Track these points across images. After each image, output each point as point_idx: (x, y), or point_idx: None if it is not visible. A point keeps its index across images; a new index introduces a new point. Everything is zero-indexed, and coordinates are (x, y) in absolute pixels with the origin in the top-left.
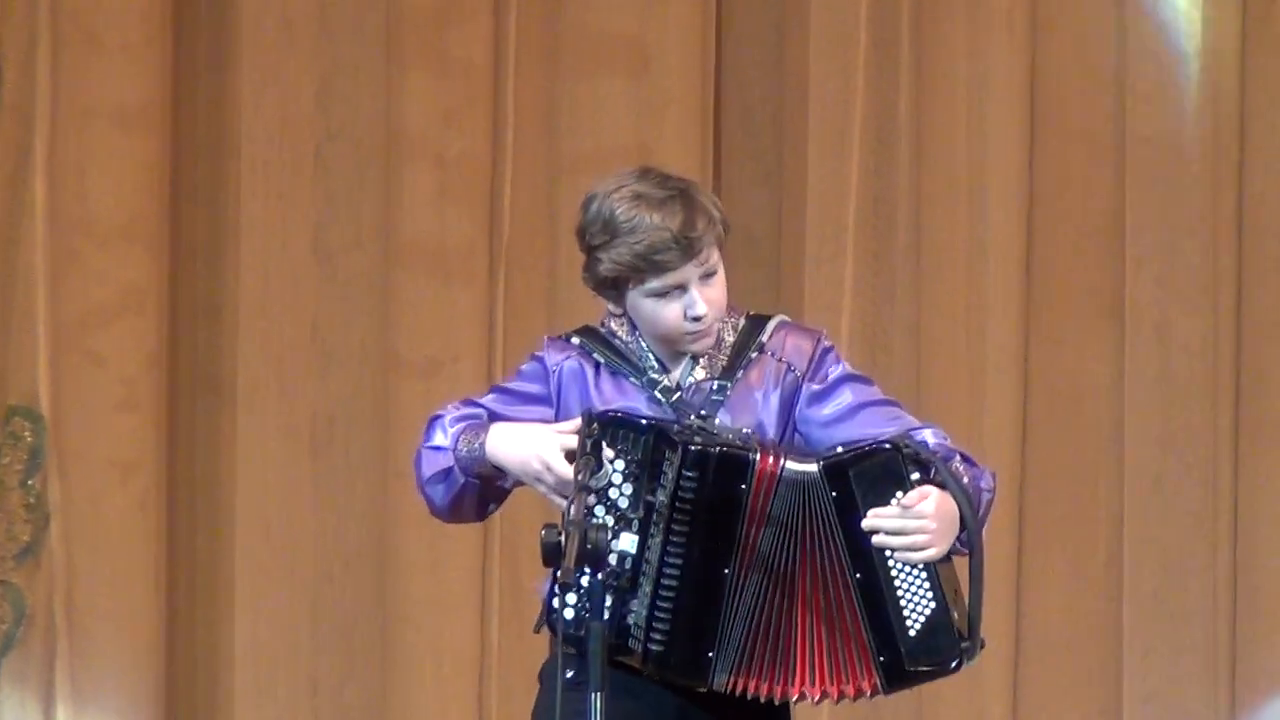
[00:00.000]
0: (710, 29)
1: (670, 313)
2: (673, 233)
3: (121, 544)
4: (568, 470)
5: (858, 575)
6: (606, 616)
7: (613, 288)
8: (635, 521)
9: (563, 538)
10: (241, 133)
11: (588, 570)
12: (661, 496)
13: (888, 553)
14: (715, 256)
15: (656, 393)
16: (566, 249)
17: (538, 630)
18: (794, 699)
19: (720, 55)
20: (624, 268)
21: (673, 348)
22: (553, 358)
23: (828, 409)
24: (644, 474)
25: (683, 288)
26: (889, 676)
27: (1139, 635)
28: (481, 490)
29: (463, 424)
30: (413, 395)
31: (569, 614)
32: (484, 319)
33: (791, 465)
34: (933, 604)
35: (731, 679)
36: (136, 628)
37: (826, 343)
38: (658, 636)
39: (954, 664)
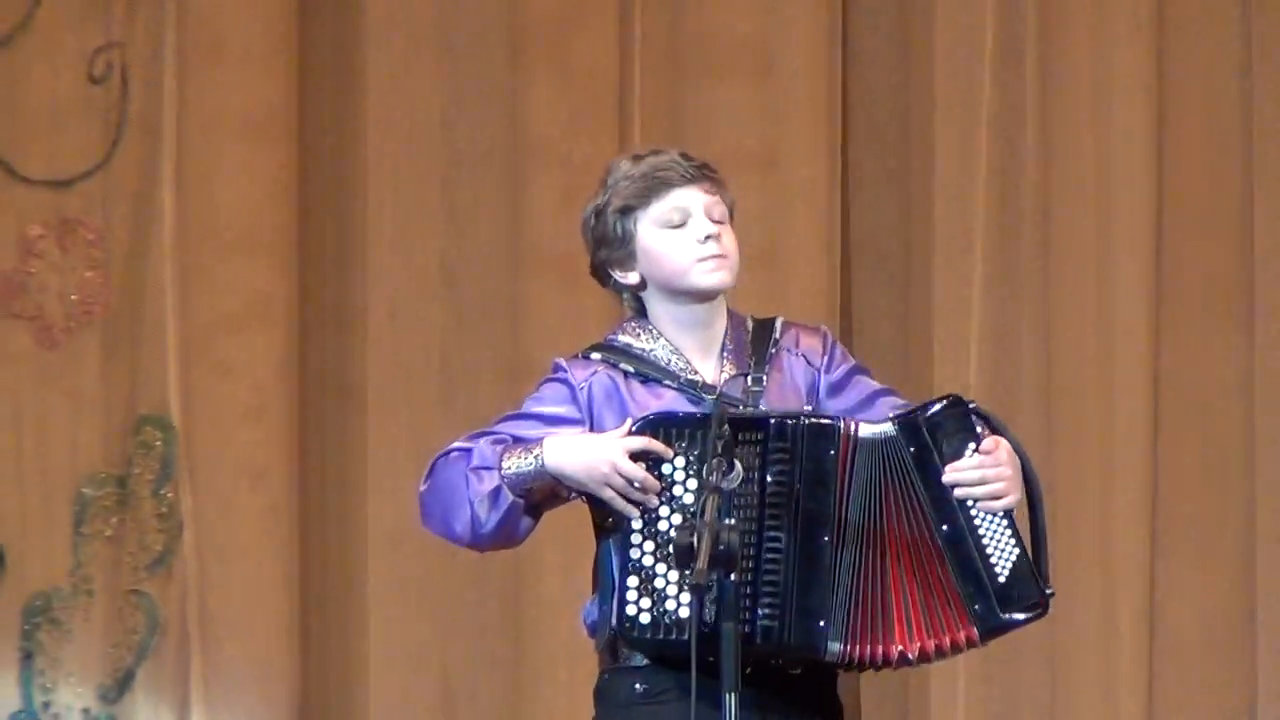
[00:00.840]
0: (835, 30)
1: (682, 240)
2: (670, 159)
3: (253, 553)
4: (637, 471)
5: (944, 528)
6: (704, 610)
7: (622, 246)
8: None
9: (695, 539)
10: (368, 141)
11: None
12: (747, 474)
13: (969, 503)
14: (724, 206)
15: (698, 391)
16: None
17: (600, 643)
18: (894, 660)
19: (845, 57)
20: (629, 197)
21: (691, 288)
22: (578, 376)
23: (846, 399)
24: (716, 460)
25: (687, 214)
26: (985, 626)
27: (1273, 634)
28: (525, 510)
29: (500, 446)
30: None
31: (645, 619)
32: (611, 324)
33: (866, 429)
34: (1017, 549)
35: (844, 648)
36: (269, 637)
37: (832, 336)
38: (766, 613)
39: (1042, 610)
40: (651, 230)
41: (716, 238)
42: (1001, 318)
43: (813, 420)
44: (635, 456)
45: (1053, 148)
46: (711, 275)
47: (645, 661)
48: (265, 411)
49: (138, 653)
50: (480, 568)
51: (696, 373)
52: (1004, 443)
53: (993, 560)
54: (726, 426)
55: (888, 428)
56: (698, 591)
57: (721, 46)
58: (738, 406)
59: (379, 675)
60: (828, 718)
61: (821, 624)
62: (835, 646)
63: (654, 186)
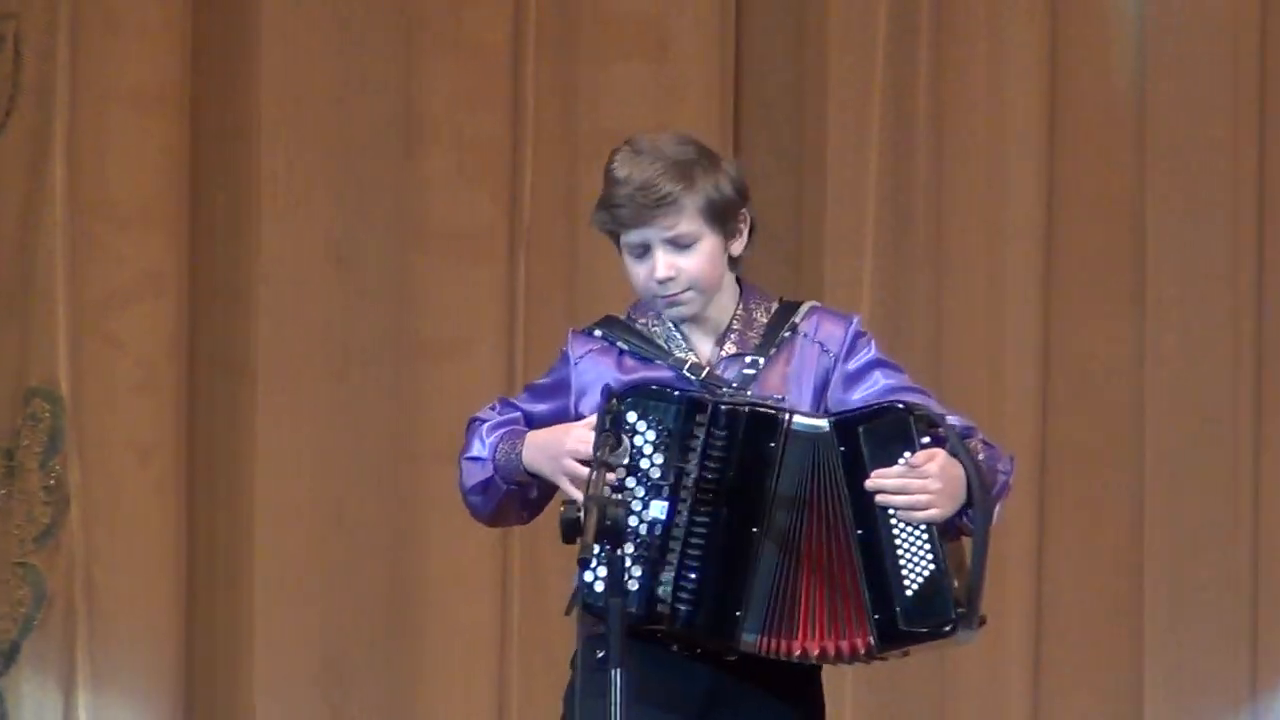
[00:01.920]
0: (729, 12)
1: (640, 271)
2: (630, 191)
3: (141, 526)
4: (578, 470)
5: (859, 532)
6: (637, 588)
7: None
8: (666, 488)
9: (581, 514)
10: (261, 116)
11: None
12: (692, 460)
13: (890, 512)
14: (689, 227)
15: (685, 371)
16: (586, 230)
17: (568, 612)
18: (796, 656)
19: (740, 39)
20: (598, 219)
21: (658, 311)
22: (576, 350)
23: (859, 392)
24: (675, 442)
25: (647, 247)
26: (882, 635)
27: (1160, 613)
28: (522, 496)
29: (500, 431)
30: (432, 376)
31: (599, 587)
32: (504, 300)
33: (800, 420)
34: (932, 566)
35: (758, 638)
36: (156, 610)
37: (859, 326)
38: (685, 598)
39: (948, 629)
40: (624, 256)
41: (670, 279)
42: (893, 299)
43: (755, 410)
44: (599, 430)
45: (945, 128)
46: (670, 310)
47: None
48: (154, 385)
49: (23, 625)
50: (367, 545)
51: (690, 351)
52: (941, 456)
53: (904, 572)
54: (614, 401)
55: (823, 423)
56: (582, 564)
57: (616, 26)
58: (722, 389)
59: (264, 650)
60: (801, 708)
61: (738, 613)
62: (750, 637)
63: (612, 220)
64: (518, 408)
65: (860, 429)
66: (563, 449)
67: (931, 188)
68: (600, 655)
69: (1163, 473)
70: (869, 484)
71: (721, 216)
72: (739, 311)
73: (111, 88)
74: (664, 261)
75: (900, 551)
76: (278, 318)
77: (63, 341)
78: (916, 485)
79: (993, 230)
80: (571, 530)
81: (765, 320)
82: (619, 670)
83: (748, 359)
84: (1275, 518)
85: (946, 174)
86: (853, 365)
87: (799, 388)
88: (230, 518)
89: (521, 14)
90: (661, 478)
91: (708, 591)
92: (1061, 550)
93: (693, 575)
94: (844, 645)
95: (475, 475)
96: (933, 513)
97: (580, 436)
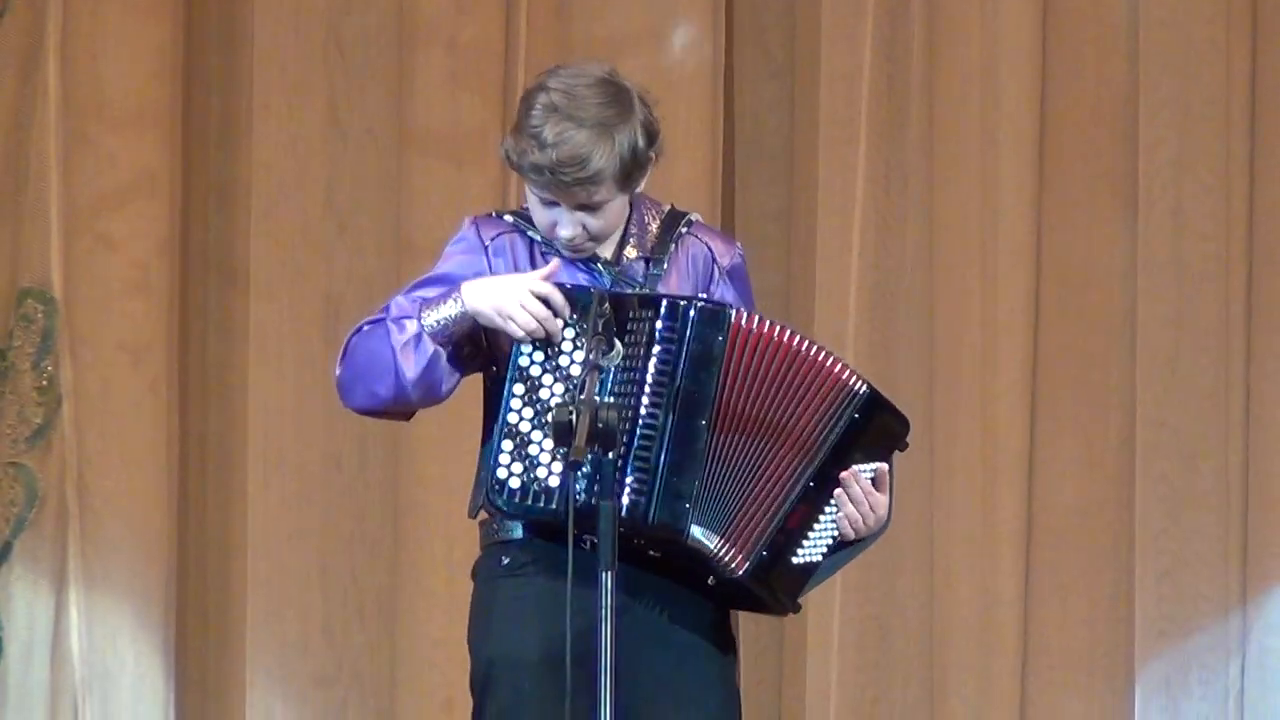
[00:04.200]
0: None
1: (543, 216)
2: (550, 163)
3: (133, 427)
4: (541, 300)
5: (810, 484)
6: (575, 485)
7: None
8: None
9: (574, 417)
10: (254, 18)
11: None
12: (634, 350)
13: (834, 499)
14: (604, 195)
15: (599, 265)
16: None
17: (473, 514)
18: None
19: None
20: (508, 157)
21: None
22: (486, 232)
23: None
24: (595, 339)
25: (555, 203)
26: (754, 570)
27: (1150, 518)
28: (448, 361)
29: (419, 303)
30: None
31: (514, 484)
32: (496, 203)
33: (850, 375)
34: (819, 558)
35: (706, 533)
36: (147, 511)
37: (743, 256)
38: (634, 488)
39: (787, 607)
40: (528, 188)
41: (570, 240)
42: (885, 207)
43: (704, 305)
44: (591, 333)
45: (938, 36)
46: (569, 252)
47: (516, 536)
48: (147, 287)
49: (15, 525)
50: (360, 446)
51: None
52: (886, 488)
53: (803, 543)
54: (607, 305)
55: (863, 388)
56: (574, 467)
57: None
58: (635, 287)
59: (256, 552)
60: (711, 631)
61: (687, 505)
62: (698, 531)
63: (528, 180)
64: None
65: (880, 415)
66: (514, 287)
67: (924, 96)
68: (506, 562)
69: (1154, 380)
70: (846, 474)
71: (632, 177)
72: (634, 217)
73: None
74: (570, 223)
75: (815, 528)
76: (270, 220)
77: (56, 242)
78: (866, 508)
79: (985, 138)
80: (564, 432)
81: (657, 228)
82: (609, 573)
83: (650, 262)
84: (1267, 423)
85: (939, 82)
86: (728, 291)
87: (689, 287)
88: (222, 420)
89: None
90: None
91: (656, 484)
92: (1053, 456)
93: (641, 469)
94: (728, 552)
95: (404, 336)
96: (850, 534)
97: (527, 281)
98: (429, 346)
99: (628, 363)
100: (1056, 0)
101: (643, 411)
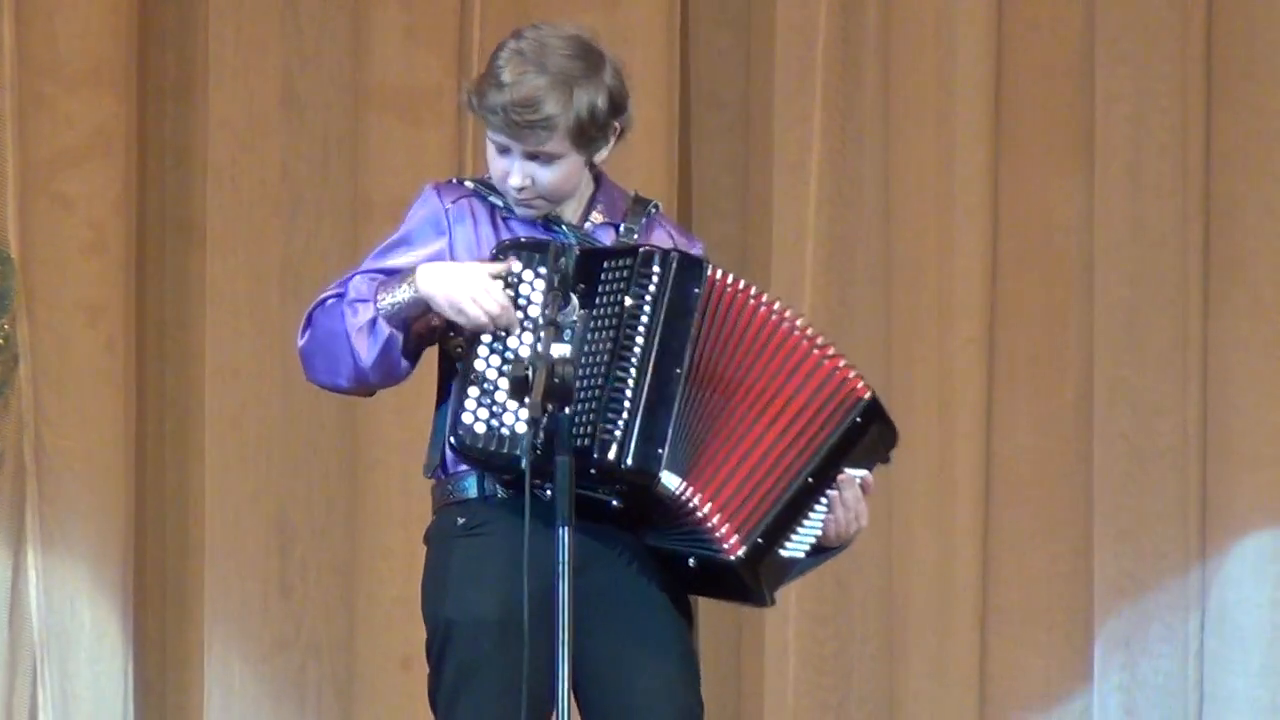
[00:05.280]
0: None
1: (498, 165)
2: (506, 103)
3: (90, 386)
4: (496, 293)
5: (809, 479)
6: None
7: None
8: (568, 331)
9: (530, 372)
10: None
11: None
12: (609, 297)
13: (827, 496)
14: (554, 148)
15: (562, 226)
16: None
17: (429, 473)
18: (697, 512)
19: None
20: (470, 103)
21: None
22: (446, 198)
23: None
24: (552, 294)
25: (508, 149)
26: (750, 556)
27: (1109, 475)
28: (403, 344)
29: (375, 283)
30: (381, 237)
31: (480, 429)
32: (453, 161)
33: (851, 374)
34: (804, 552)
35: (677, 481)
36: (105, 470)
37: (704, 250)
38: (608, 430)
39: (756, 604)
40: (488, 138)
41: (521, 189)
42: (841, 163)
43: (680, 254)
44: (548, 288)
45: None
46: (519, 208)
47: (471, 495)
48: (104, 245)
49: None
50: (317, 406)
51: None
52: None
53: (793, 535)
54: (564, 260)
55: (866, 395)
56: (533, 425)
57: None
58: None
59: (214, 511)
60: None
61: (660, 450)
62: (670, 479)
63: (485, 121)
64: (373, 270)
65: (877, 426)
66: (467, 280)
67: (880, 50)
68: (461, 522)
69: (1112, 335)
70: (844, 477)
71: (589, 137)
72: (601, 189)
73: None
74: (520, 171)
75: (806, 521)
76: (227, 178)
77: (11, 201)
78: (855, 513)
79: (942, 91)
80: (520, 388)
81: (625, 202)
82: (566, 528)
83: (622, 227)
84: (1225, 378)
85: (894, 36)
86: None
87: None
88: (179, 378)
89: None
90: (557, 321)
91: (631, 428)
92: (1010, 412)
93: (615, 411)
94: (724, 532)
95: (360, 319)
96: (836, 534)
97: (483, 270)
98: (384, 330)
99: (602, 311)
100: None
101: (618, 357)
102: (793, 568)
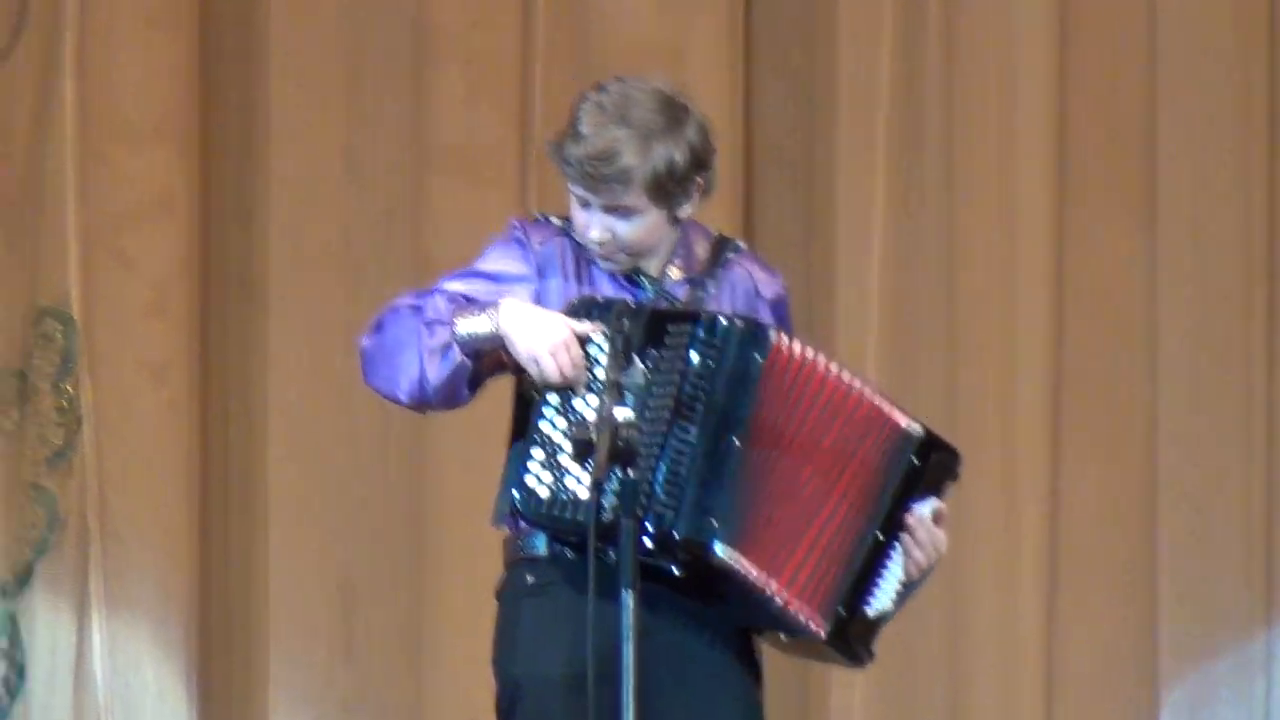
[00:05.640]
0: None
1: (579, 217)
2: (583, 155)
3: (154, 448)
4: (576, 355)
5: (878, 535)
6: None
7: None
8: (630, 395)
9: (594, 435)
10: (270, 34)
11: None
12: (671, 363)
13: (900, 542)
14: (632, 202)
15: (643, 279)
16: None
17: (497, 523)
18: (767, 590)
19: None
20: (551, 155)
21: None
22: (532, 236)
23: None
24: (615, 356)
25: (588, 202)
26: (836, 629)
27: (1173, 536)
28: (471, 374)
29: (454, 305)
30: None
31: (543, 493)
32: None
33: (900, 417)
34: (890, 604)
35: (732, 552)
36: (169, 532)
37: (786, 285)
38: (662, 501)
39: (862, 665)
40: (570, 190)
41: (600, 245)
42: (905, 223)
43: (744, 321)
44: (612, 351)
45: (957, 51)
46: (601, 261)
47: (540, 553)
48: (166, 305)
49: (37, 547)
50: (382, 465)
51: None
52: (944, 522)
53: (873, 591)
54: (627, 321)
55: (918, 429)
56: (598, 486)
57: None
58: (674, 304)
59: (279, 573)
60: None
61: (714, 522)
62: (724, 550)
63: (565, 174)
64: (454, 293)
65: (935, 455)
66: (550, 333)
67: (943, 111)
68: (530, 581)
69: (1176, 393)
70: (911, 520)
71: (668, 192)
72: (680, 241)
73: (121, 5)
74: (600, 225)
75: (883, 573)
76: (289, 238)
77: (74, 261)
78: (932, 549)
79: (1004, 152)
80: (584, 451)
81: (705, 251)
82: (630, 590)
83: (696, 282)
84: None
85: (958, 97)
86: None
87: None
88: (244, 439)
89: None
90: (624, 385)
91: (685, 498)
92: (1075, 474)
93: (670, 483)
94: (804, 612)
95: (436, 340)
96: (914, 572)
97: (574, 329)
98: (456, 357)
99: (664, 376)
100: (1074, 15)
101: (676, 426)
102: (887, 619)
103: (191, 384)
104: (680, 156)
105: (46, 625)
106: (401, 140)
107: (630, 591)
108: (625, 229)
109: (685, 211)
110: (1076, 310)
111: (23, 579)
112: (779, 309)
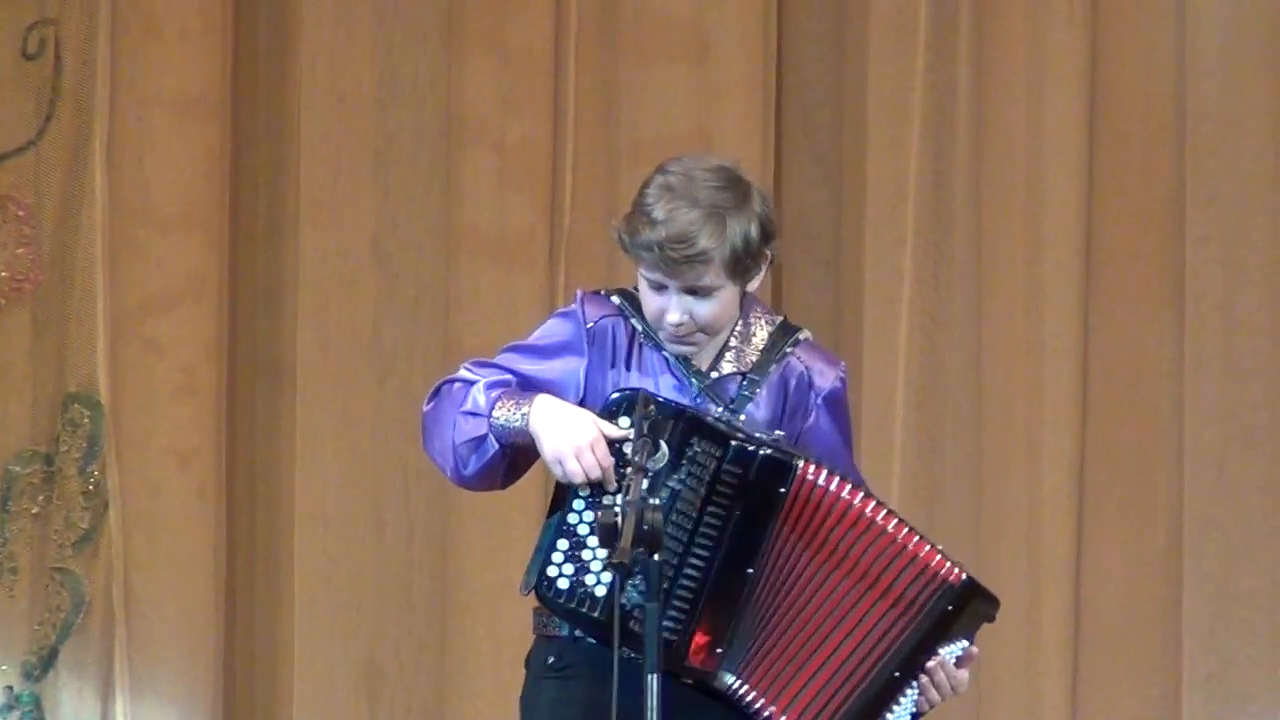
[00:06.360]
0: (771, 15)
1: (653, 302)
2: (660, 240)
3: (180, 532)
4: (604, 459)
5: (896, 674)
6: (624, 591)
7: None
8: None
9: (619, 519)
10: (300, 120)
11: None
12: (692, 484)
13: (918, 681)
14: (712, 281)
15: (691, 375)
16: None
17: (525, 591)
18: (768, 713)
19: (781, 42)
20: (621, 242)
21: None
22: (589, 313)
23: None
24: (641, 441)
25: (664, 286)
26: None
27: (1198, 619)
28: (510, 460)
29: (498, 390)
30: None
31: (562, 584)
32: (545, 306)
33: (937, 559)
34: None
35: (737, 681)
36: (195, 616)
37: (845, 376)
38: (670, 626)
39: None
40: (640, 276)
41: (678, 326)
42: (933, 308)
43: (771, 454)
44: (637, 435)
45: (985, 134)
46: (673, 345)
47: (564, 634)
48: (194, 390)
49: (62, 630)
50: (407, 549)
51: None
52: (968, 665)
53: None
54: (653, 407)
55: (961, 575)
56: (620, 570)
57: (657, 29)
58: (721, 404)
59: (304, 656)
60: None
61: (718, 650)
62: (728, 678)
63: (636, 258)
64: (504, 368)
65: (973, 602)
66: (590, 430)
67: (971, 192)
68: (551, 660)
69: (1203, 478)
70: (933, 664)
71: (744, 267)
72: (738, 326)
73: (151, 91)
74: (679, 307)
75: (897, 710)
76: (317, 323)
77: (102, 346)
78: (959, 683)
79: (1032, 236)
80: (609, 534)
81: (762, 340)
82: (654, 675)
83: (746, 379)
84: None
85: (985, 178)
86: (817, 418)
87: (778, 409)
88: (270, 523)
89: (563, 17)
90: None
91: (692, 624)
92: (1100, 556)
93: (680, 608)
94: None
95: (469, 431)
96: (935, 704)
97: (607, 433)
98: (492, 446)
99: (689, 491)
100: (1103, 96)
101: (691, 549)
102: None
103: (218, 468)
104: (754, 230)
105: (71, 708)
106: (430, 223)
107: (654, 676)
108: (703, 309)
109: (754, 284)
110: (1102, 391)
111: (48, 662)
112: (832, 402)
